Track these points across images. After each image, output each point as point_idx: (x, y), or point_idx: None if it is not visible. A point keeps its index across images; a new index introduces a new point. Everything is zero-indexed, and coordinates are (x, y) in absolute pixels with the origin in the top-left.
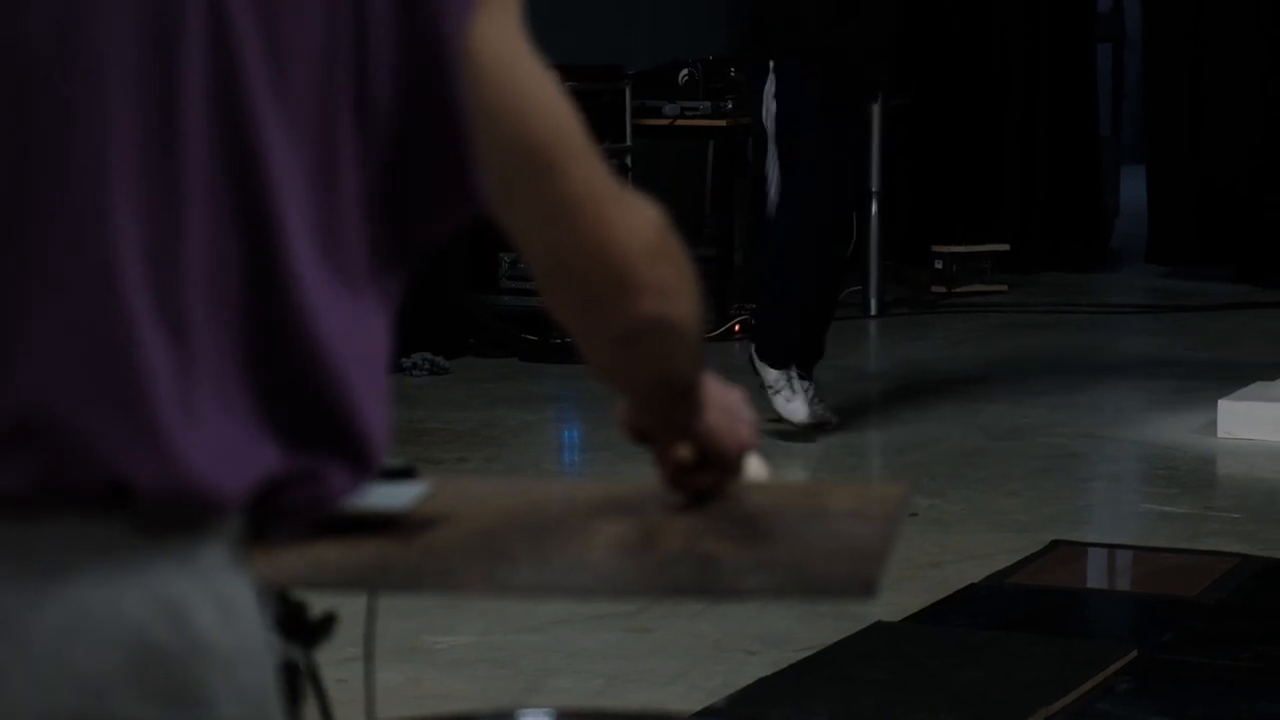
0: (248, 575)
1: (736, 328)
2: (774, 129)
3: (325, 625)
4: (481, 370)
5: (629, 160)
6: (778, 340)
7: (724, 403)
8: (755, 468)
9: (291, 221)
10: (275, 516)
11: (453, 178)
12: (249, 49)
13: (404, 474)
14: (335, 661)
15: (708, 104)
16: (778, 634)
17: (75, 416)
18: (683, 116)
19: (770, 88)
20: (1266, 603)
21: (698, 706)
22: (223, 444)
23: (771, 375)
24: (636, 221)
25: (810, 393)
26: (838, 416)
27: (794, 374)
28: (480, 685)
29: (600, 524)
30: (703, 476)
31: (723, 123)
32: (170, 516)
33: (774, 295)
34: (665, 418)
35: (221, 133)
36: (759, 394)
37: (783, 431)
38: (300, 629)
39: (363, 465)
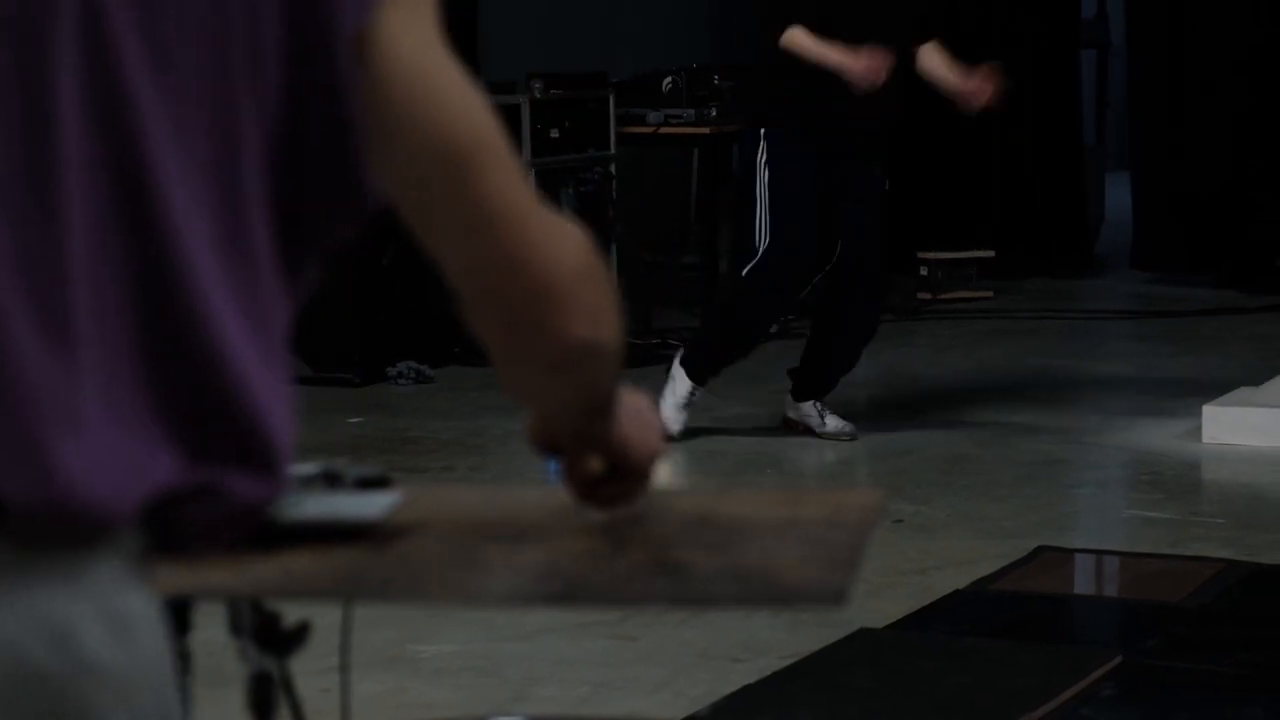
0: (146, 592)
1: None
2: (766, 197)
3: (299, 635)
4: (467, 379)
5: (613, 168)
6: (709, 363)
7: (635, 410)
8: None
9: (186, 227)
10: (179, 530)
11: (345, 177)
12: (126, 47)
13: (378, 483)
14: (318, 671)
15: (691, 112)
16: (762, 641)
17: None
18: (667, 124)
19: (762, 156)
20: (1251, 608)
21: (683, 714)
22: (111, 457)
23: (683, 388)
24: (563, 240)
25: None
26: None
27: (698, 394)
28: (464, 694)
29: (573, 532)
30: (615, 486)
31: (707, 130)
32: (54, 533)
33: (727, 329)
34: (580, 433)
35: (99, 137)
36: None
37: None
38: (274, 639)
39: (269, 475)
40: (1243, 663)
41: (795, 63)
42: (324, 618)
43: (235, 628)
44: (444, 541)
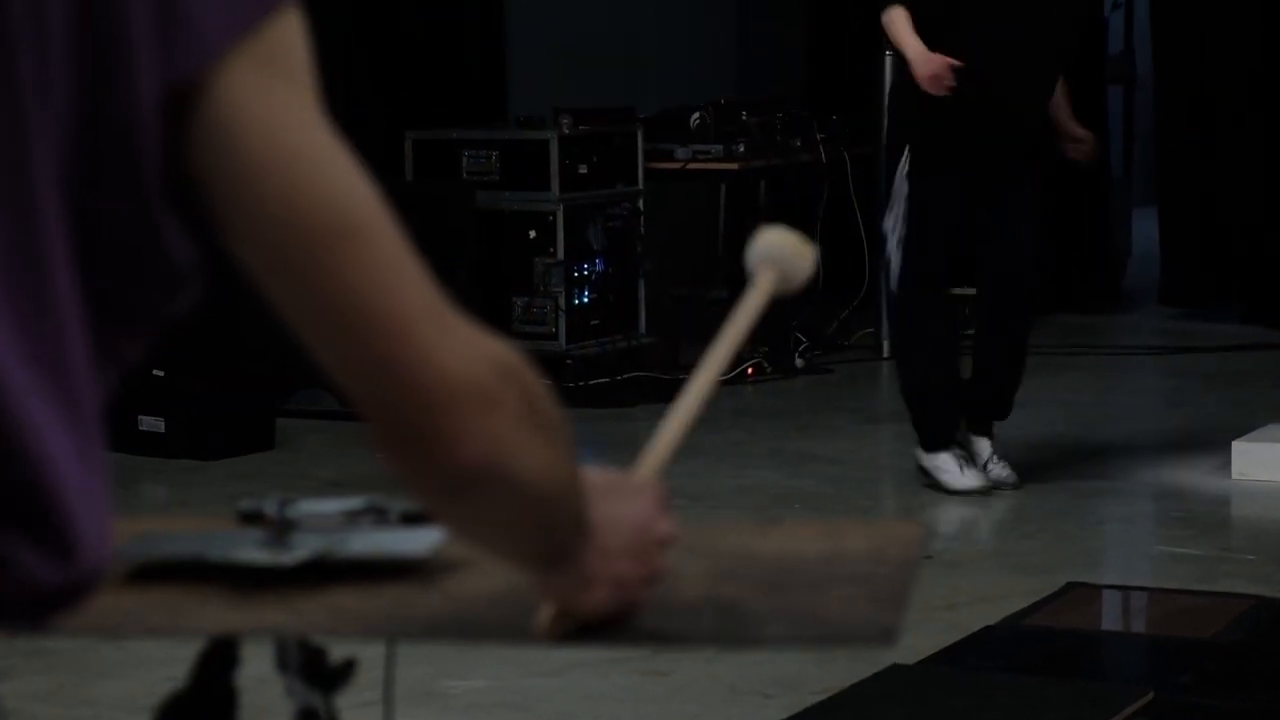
0: None
1: (750, 370)
2: (904, 209)
3: (345, 671)
4: None
5: (641, 203)
6: (934, 421)
7: (623, 544)
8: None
9: None
10: None
11: (142, 241)
12: None
13: (424, 518)
14: (352, 706)
15: (720, 147)
16: (792, 677)
17: None
18: (694, 160)
19: (904, 166)
20: None
21: None
22: None
23: (941, 459)
24: (462, 349)
25: (987, 454)
26: (1016, 476)
27: (957, 452)
28: None
29: None
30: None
31: (734, 165)
32: None
33: (912, 384)
34: (545, 593)
35: None
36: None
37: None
38: (320, 675)
39: (66, 556)
40: (1275, 699)
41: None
42: (360, 652)
43: (282, 664)
44: (491, 578)
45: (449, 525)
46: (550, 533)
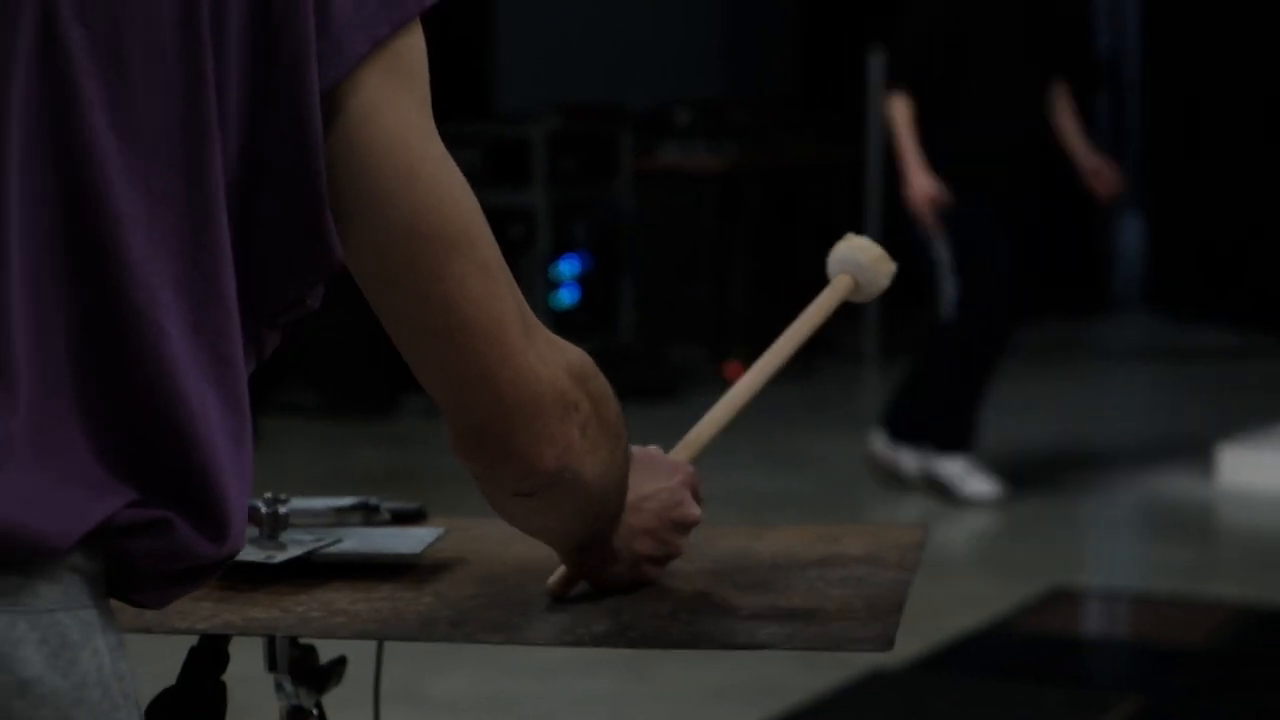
0: (99, 617)
1: (729, 370)
2: (952, 239)
3: (336, 670)
4: None
5: (627, 200)
6: (961, 427)
7: (645, 523)
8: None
9: (143, 266)
10: (129, 568)
11: (306, 231)
12: (89, 86)
13: (415, 516)
14: (336, 704)
15: (707, 145)
16: (776, 681)
17: None
18: (681, 157)
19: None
20: (1270, 650)
21: None
22: (40, 491)
23: (958, 466)
24: (545, 360)
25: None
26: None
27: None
28: None
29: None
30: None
31: (722, 163)
32: None
33: (951, 388)
34: (570, 565)
35: (54, 178)
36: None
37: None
38: (310, 674)
39: (220, 530)
40: (1263, 705)
41: (954, 111)
42: (342, 650)
43: (272, 663)
44: (485, 580)
45: (508, 515)
46: (597, 521)
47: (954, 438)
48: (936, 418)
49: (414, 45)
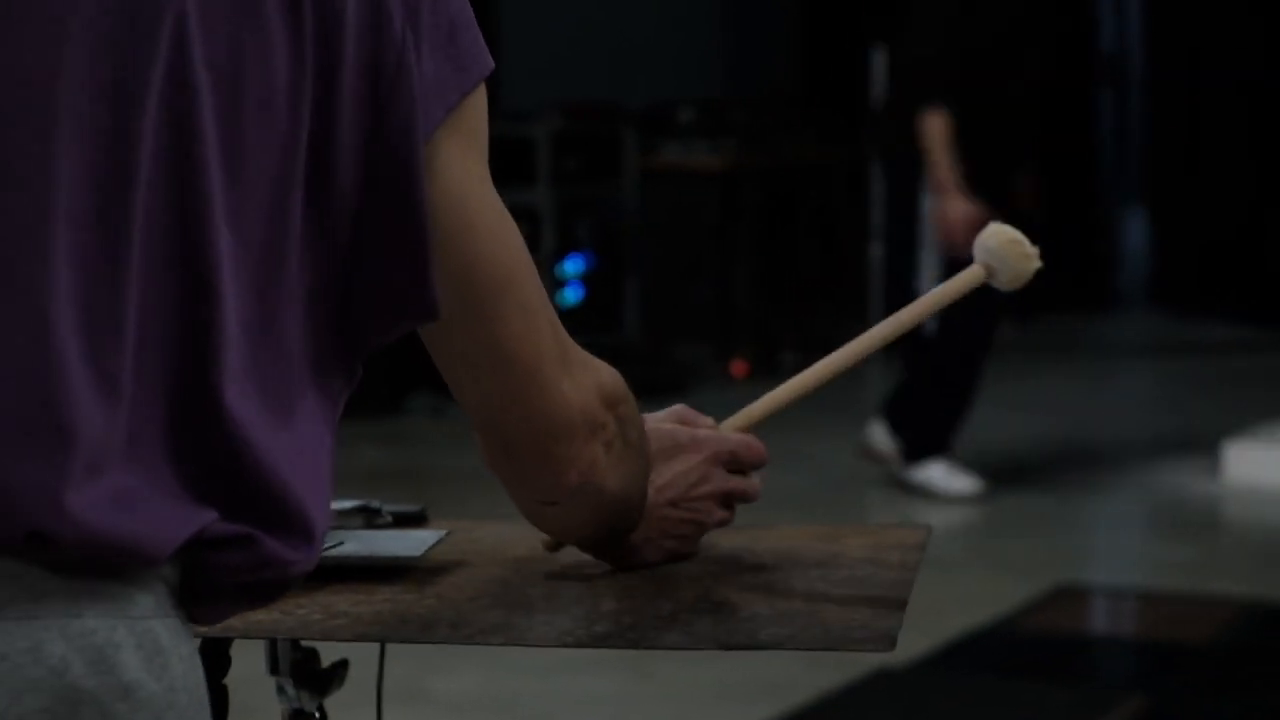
0: (179, 626)
1: (735, 368)
2: (943, 255)
3: (338, 673)
4: None
5: (631, 199)
6: (943, 431)
7: (668, 500)
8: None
9: (231, 307)
10: (214, 578)
11: (409, 286)
12: (208, 125)
13: (416, 519)
14: (339, 705)
15: (708, 144)
16: (780, 679)
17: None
18: (684, 156)
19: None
20: (1275, 647)
21: None
22: (135, 502)
23: (938, 470)
24: (579, 383)
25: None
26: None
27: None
28: None
29: (615, 570)
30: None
31: (723, 162)
32: (95, 564)
33: (942, 394)
34: (596, 554)
35: (170, 206)
36: None
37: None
38: (312, 677)
39: (305, 544)
40: (1268, 703)
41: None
42: (344, 651)
43: (274, 665)
44: (485, 581)
45: (532, 518)
46: (616, 525)
47: (930, 447)
48: (914, 426)
49: (478, 105)
